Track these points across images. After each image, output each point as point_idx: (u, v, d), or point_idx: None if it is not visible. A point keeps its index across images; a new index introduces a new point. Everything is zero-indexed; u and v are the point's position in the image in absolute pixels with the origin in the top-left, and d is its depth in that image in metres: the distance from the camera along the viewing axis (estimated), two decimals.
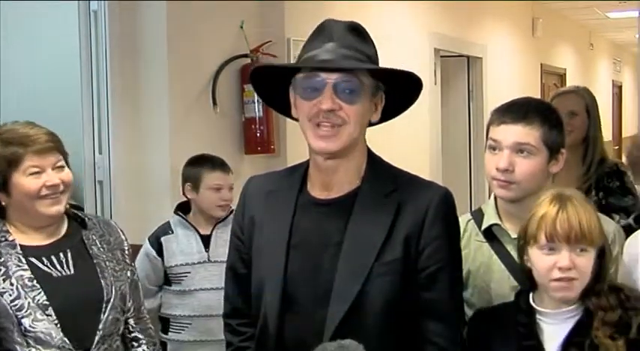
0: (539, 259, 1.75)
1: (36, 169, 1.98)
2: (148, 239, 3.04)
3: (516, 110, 1.95)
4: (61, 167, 2.03)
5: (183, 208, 3.11)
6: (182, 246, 3.00)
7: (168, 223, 3.07)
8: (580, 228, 1.71)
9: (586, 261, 1.73)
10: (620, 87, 12.97)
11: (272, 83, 1.84)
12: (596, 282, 1.75)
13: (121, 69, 3.48)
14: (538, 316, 1.79)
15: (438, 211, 1.74)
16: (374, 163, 1.83)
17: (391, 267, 1.71)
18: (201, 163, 3.08)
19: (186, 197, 3.09)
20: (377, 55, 1.80)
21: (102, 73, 3.47)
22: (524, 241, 1.79)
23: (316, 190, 1.81)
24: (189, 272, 2.98)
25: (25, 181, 1.97)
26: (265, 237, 1.82)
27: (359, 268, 1.70)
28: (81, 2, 3.49)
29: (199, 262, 2.98)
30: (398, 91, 1.81)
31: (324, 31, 1.77)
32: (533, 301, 1.81)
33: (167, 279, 3.02)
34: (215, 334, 2.86)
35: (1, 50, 4.23)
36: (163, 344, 3.05)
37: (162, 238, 3.01)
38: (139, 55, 3.53)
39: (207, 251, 2.99)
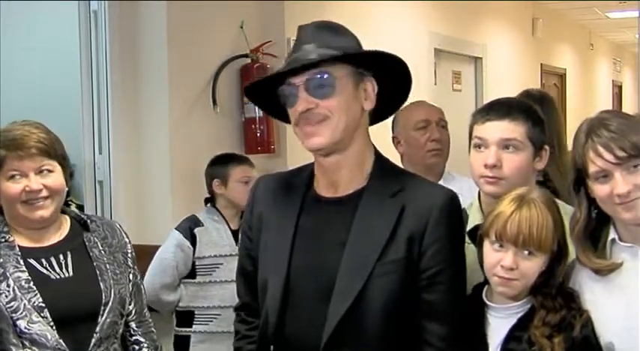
0: (487, 253, 1.78)
1: (15, 173, 1.96)
2: (178, 230, 3.10)
3: (499, 108, 1.98)
4: (49, 171, 2.00)
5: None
6: (213, 238, 3.10)
7: (195, 216, 3.15)
8: (529, 232, 1.72)
9: (531, 264, 1.74)
10: (620, 87, 12.96)
11: (270, 93, 1.83)
12: (546, 283, 1.77)
13: (121, 69, 3.48)
14: (487, 310, 1.82)
15: (443, 213, 1.74)
16: (381, 163, 1.83)
17: (393, 266, 1.71)
18: (227, 160, 3.24)
19: (214, 193, 3.20)
20: (358, 45, 1.80)
21: (102, 73, 3.47)
22: (482, 232, 1.81)
23: (323, 189, 1.82)
24: (221, 263, 3.06)
25: (5, 185, 1.96)
26: (271, 234, 1.83)
27: (361, 266, 1.70)
28: (81, 2, 3.49)
29: (231, 255, 3.03)
30: (390, 80, 1.80)
31: (298, 36, 1.79)
32: (485, 295, 1.84)
33: (192, 271, 3.08)
34: None
35: (1, 50, 4.24)
36: (183, 338, 3.09)
37: (196, 230, 3.09)
38: (139, 55, 3.53)
39: (237, 244, 3.03)
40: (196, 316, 3.08)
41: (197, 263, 3.07)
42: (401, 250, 1.71)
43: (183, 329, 3.11)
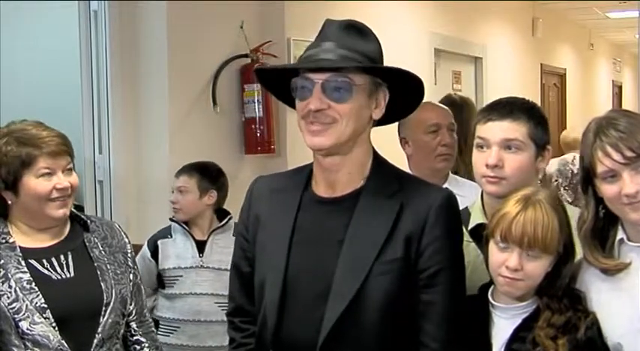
0: (492, 253, 1.78)
1: (47, 171, 1.98)
2: (147, 241, 3.06)
3: (502, 108, 1.98)
4: (70, 170, 2.03)
5: None
6: (178, 250, 3.03)
7: (170, 226, 3.09)
8: (534, 234, 1.71)
9: (536, 266, 1.74)
10: (620, 87, 12.96)
11: (278, 79, 1.85)
12: (552, 284, 1.76)
13: (121, 69, 3.48)
14: (492, 310, 1.82)
15: (440, 213, 1.74)
16: (379, 163, 1.83)
17: (391, 266, 1.70)
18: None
19: None
20: (380, 51, 1.79)
21: (102, 73, 3.47)
22: (487, 232, 1.81)
23: (320, 189, 1.82)
24: (181, 275, 3.00)
25: (35, 182, 1.97)
26: (268, 234, 1.83)
27: (359, 266, 1.70)
28: (81, 2, 3.49)
29: (192, 267, 3.00)
30: (402, 90, 1.81)
31: (322, 31, 1.77)
32: (491, 295, 1.83)
33: (161, 282, 3.04)
34: (202, 340, 2.93)
35: (1, 50, 4.24)
36: None
37: (160, 241, 3.04)
38: (139, 55, 3.53)
39: (201, 257, 3.01)
40: (160, 325, 3.02)
41: (162, 275, 3.03)
42: (399, 249, 1.71)
43: None
